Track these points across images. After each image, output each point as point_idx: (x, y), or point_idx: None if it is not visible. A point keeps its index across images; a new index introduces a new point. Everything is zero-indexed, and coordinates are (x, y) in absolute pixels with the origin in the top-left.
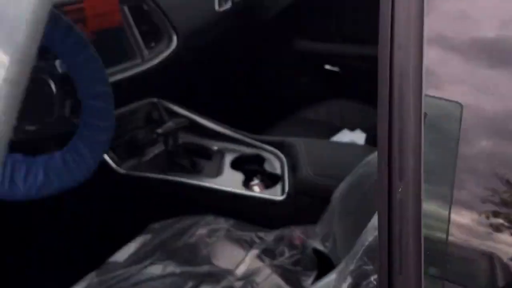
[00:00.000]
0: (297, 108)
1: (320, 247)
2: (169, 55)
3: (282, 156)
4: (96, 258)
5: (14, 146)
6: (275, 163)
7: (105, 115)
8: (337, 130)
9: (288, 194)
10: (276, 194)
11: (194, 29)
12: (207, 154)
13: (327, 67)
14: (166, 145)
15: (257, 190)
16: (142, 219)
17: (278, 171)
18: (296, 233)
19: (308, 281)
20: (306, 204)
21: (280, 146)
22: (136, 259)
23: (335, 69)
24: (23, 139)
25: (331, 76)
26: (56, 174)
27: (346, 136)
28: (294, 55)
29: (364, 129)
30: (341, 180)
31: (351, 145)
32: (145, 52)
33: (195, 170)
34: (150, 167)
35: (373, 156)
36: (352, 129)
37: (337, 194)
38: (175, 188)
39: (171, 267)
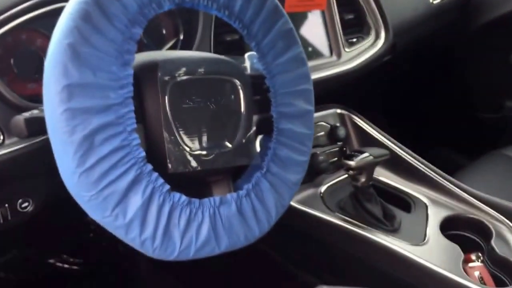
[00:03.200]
0: (503, 141)
1: None
2: (373, 55)
3: None
4: None
5: (175, 182)
6: (510, 241)
7: (303, 145)
8: None
9: None
10: None
11: (404, 24)
12: (406, 204)
13: None
14: (355, 181)
15: (477, 278)
16: (305, 273)
17: None
18: None
19: None
20: None
21: None
22: None
23: None
24: (187, 173)
25: None
26: (227, 228)
27: None
28: (509, 73)
29: None
30: None
31: None
32: (344, 48)
33: (391, 226)
34: (328, 204)
35: None
36: None
37: None
38: (358, 244)
39: None
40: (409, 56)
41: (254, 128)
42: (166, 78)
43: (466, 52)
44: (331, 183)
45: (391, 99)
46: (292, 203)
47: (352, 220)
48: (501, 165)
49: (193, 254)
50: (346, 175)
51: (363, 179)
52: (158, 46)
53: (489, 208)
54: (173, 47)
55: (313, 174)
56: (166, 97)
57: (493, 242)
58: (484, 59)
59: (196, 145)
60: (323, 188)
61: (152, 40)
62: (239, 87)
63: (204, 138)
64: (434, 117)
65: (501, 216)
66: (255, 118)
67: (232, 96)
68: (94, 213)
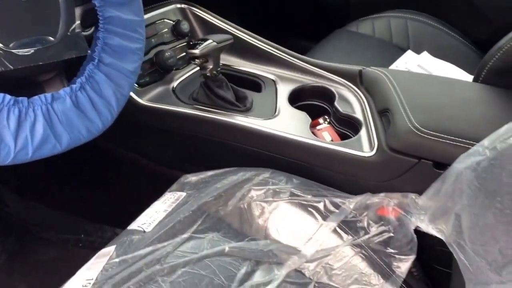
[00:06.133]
0: (342, 21)
1: (427, 227)
2: None
3: (359, 93)
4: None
5: None
6: (351, 101)
7: (134, 32)
8: (398, 49)
9: (380, 149)
10: (358, 147)
11: None
12: (257, 85)
13: None
14: (204, 70)
15: (327, 138)
16: (169, 168)
17: (357, 113)
18: (389, 202)
19: (401, 268)
20: (407, 166)
21: (353, 76)
22: (168, 231)
23: None
24: (10, 70)
25: None
26: (65, 124)
27: (412, 60)
28: None
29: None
30: (468, 141)
31: (465, 84)
32: None
33: (243, 107)
34: (181, 98)
35: None
36: (418, 51)
37: (469, 161)
38: (216, 129)
39: (217, 243)
40: None
41: (78, 21)
42: None
43: None
44: (182, 78)
45: None
46: (145, 102)
47: (206, 108)
48: (345, 40)
49: (32, 154)
50: (197, 69)
51: (210, 66)
52: None
53: (330, 74)
54: None
55: (162, 72)
56: None
57: (336, 104)
58: None
59: (11, 42)
60: (174, 84)
61: None
62: None
63: (20, 34)
64: (277, 6)
65: (341, 79)
66: (78, 10)
67: None
68: None
